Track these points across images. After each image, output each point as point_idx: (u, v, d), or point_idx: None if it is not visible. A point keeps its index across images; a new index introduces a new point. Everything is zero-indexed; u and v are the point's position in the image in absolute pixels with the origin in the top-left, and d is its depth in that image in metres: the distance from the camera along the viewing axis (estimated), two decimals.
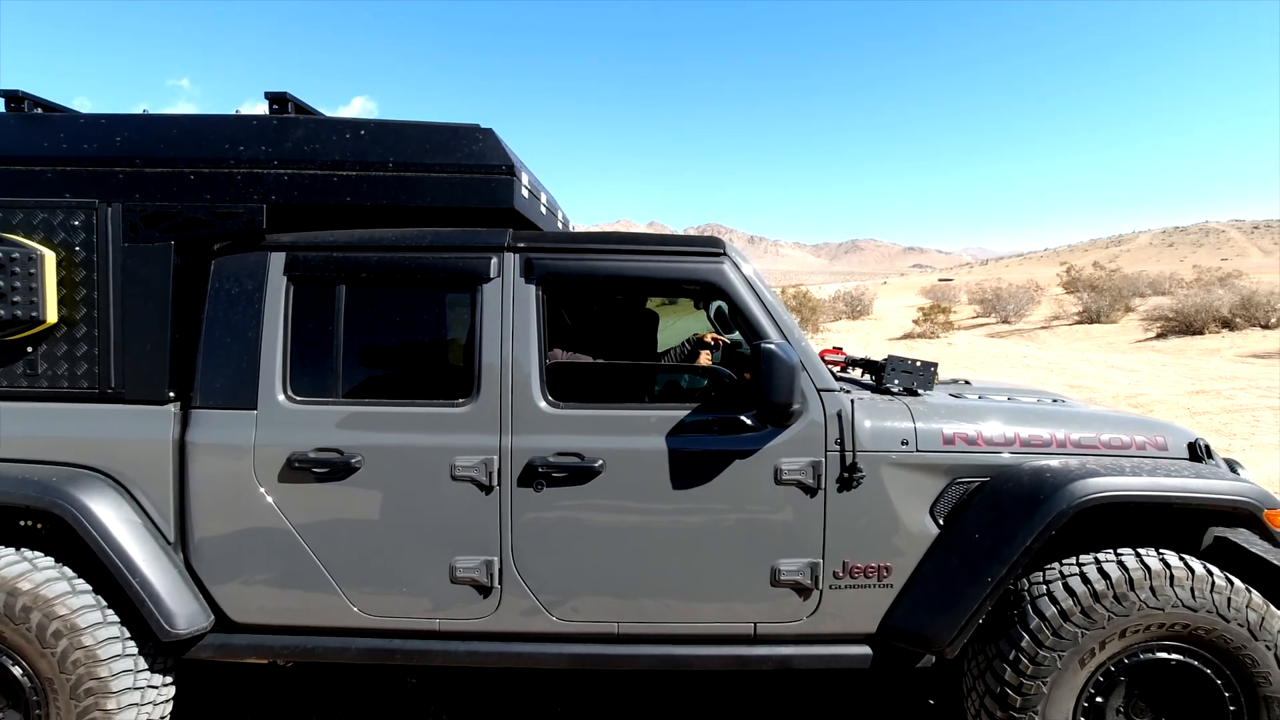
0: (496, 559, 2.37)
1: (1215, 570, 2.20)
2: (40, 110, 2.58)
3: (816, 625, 2.40)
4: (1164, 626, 2.16)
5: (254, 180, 2.42)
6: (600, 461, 2.34)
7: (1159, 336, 21.57)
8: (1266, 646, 2.15)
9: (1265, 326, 20.39)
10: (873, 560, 2.38)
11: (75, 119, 2.50)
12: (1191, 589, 2.15)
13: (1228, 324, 20.84)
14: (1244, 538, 2.44)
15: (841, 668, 2.42)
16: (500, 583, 2.38)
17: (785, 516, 2.36)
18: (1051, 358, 17.46)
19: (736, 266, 2.47)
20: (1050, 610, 2.19)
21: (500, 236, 2.46)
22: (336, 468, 2.36)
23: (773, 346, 2.22)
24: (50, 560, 2.37)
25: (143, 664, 2.38)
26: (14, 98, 2.54)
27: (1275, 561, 2.23)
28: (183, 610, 2.36)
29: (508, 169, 2.45)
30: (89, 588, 2.35)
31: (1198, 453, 2.49)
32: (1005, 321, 29.13)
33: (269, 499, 2.38)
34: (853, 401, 2.40)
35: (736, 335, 3.79)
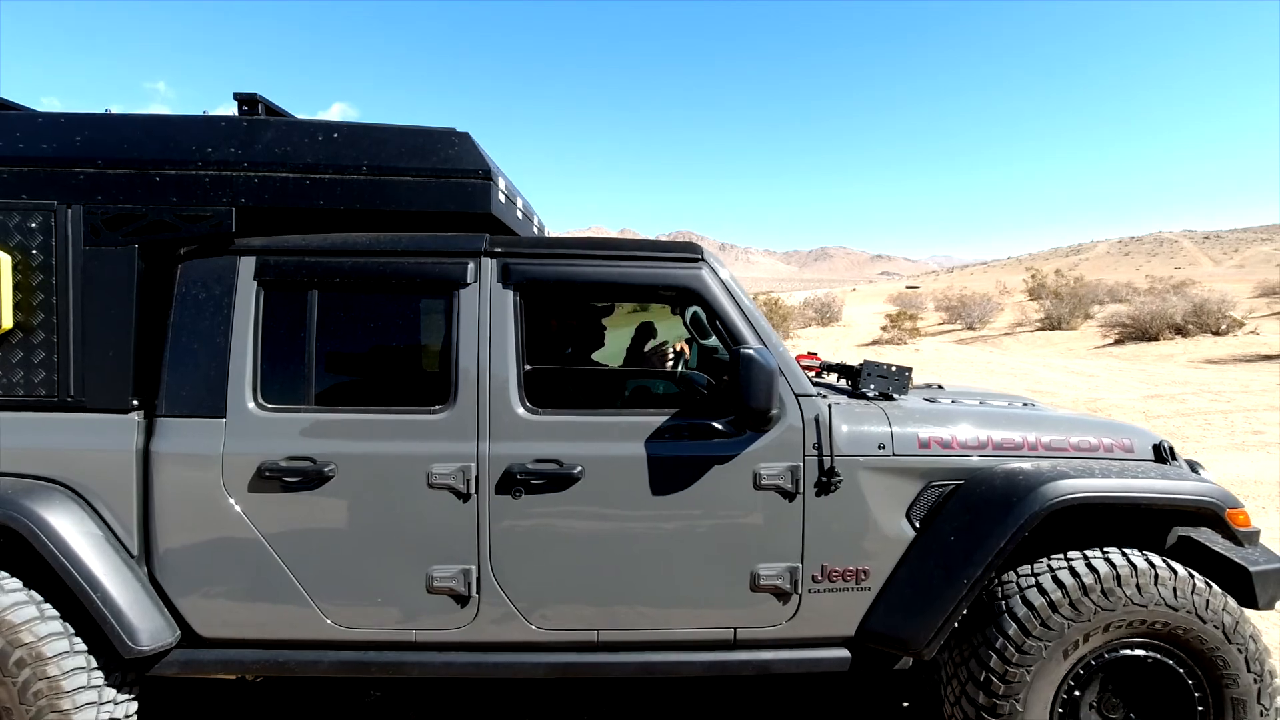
0: (474, 568, 2.34)
1: (1195, 573, 2.26)
2: None
3: (796, 629, 2.40)
4: (1144, 624, 2.21)
5: (222, 182, 2.36)
6: (579, 468, 2.32)
7: (1117, 343, 22.20)
8: (1238, 649, 2.21)
9: (1216, 333, 21.11)
10: (850, 564, 2.39)
11: (32, 118, 2.41)
12: (1174, 589, 2.21)
13: (1181, 331, 21.53)
14: (1206, 536, 2.52)
15: (820, 671, 2.43)
16: (478, 592, 2.35)
17: (764, 521, 2.37)
18: (1015, 363, 17.84)
19: (714, 272, 2.48)
20: (1039, 601, 2.22)
21: (477, 241, 2.44)
22: (309, 477, 2.31)
23: (752, 352, 2.23)
24: (18, 583, 2.27)
25: (108, 689, 2.29)
26: None
27: (1237, 560, 2.30)
28: (146, 625, 2.28)
29: (484, 173, 2.42)
30: (57, 614, 2.26)
31: (1162, 454, 2.56)
32: (970, 328, 29.71)
33: (238, 509, 2.32)
34: (830, 406, 2.41)
35: (713, 340, 3.80)
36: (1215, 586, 2.25)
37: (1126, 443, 2.57)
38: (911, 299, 42.65)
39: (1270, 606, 2.35)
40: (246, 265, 2.40)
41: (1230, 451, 7.75)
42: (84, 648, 2.26)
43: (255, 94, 2.46)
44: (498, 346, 2.37)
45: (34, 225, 2.34)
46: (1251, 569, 2.28)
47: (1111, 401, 11.29)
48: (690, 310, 3.76)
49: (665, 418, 2.39)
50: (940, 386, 3.27)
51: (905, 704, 3.21)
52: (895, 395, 2.69)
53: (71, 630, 2.25)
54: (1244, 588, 2.30)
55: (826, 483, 2.36)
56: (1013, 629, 2.22)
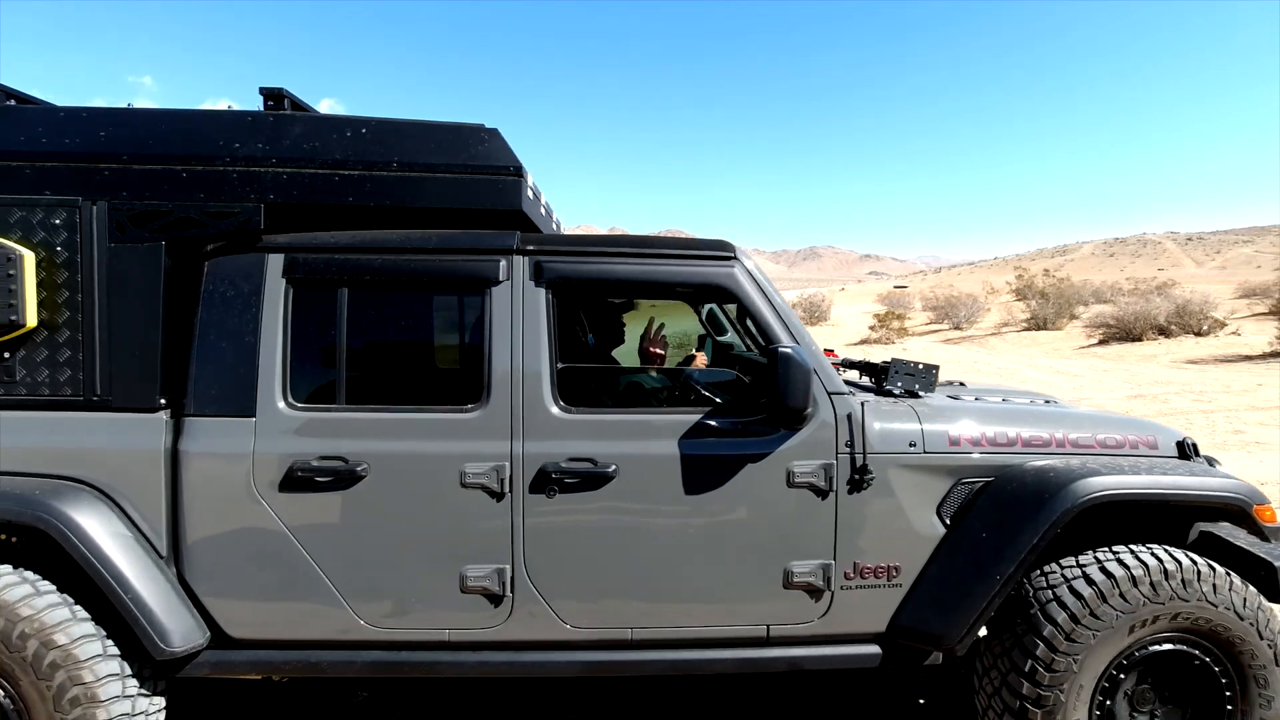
0: (508, 567, 2.32)
1: (1232, 571, 2.29)
2: (13, 102, 2.45)
3: (827, 626, 2.41)
4: (1185, 618, 2.24)
5: (250, 179, 2.33)
6: (614, 467, 2.31)
7: (1101, 343, 22.49)
8: (1267, 645, 2.24)
9: (1198, 334, 21.45)
10: (882, 561, 2.40)
11: (53, 112, 2.37)
12: (1214, 585, 2.24)
13: (1164, 331, 21.86)
14: (1227, 531, 2.55)
15: (852, 668, 2.44)
16: (512, 591, 2.33)
17: (797, 519, 2.38)
18: (1001, 363, 18.02)
19: (747, 269, 2.48)
20: (1089, 591, 2.23)
21: (509, 239, 2.42)
22: (341, 476, 2.29)
23: (790, 350, 2.24)
24: (51, 585, 2.23)
25: (139, 692, 2.26)
26: None
27: (1263, 555, 2.33)
28: (177, 626, 2.25)
29: (515, 170, 2.41)
30: (89, 616, 2.22)
31: (1185, 451, 2.60)
32: (957, 328, 29.98)
33: (269, 509, 2.29)
34: (862, 404, 2.42)
35: (729, 337, 3.81)
36: (1248, 584, 2.28)
37: (1151, 439, 2.61)
38: (899, 299, 42.96)
39: None
40: (274, 263, 2.38)
41: (1211, 450, 7.87)
42: (116, 651, 2.23)
43: (281, 89, 2.43)
44: (530, 345, 2.36)
45: (58, 221, 2.30)
46: (1277, 564, 2.31)
47: (1096, 401, 11.44)
48: (706, 308, 3.77)
49: (698, 416, 2.39)
50: (962, 384, 3.30)
51: (921, 701, 3.23)
52: (921, 393, 2.71)
53: (104, 633, 2.22)
54: (1268, 582, 2.33)
55: (859, 480, 2.37)
56: (1062, 616, 2.22)
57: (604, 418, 2.38)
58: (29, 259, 2.27)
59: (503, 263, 2.39)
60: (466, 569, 2.32)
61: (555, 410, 2.35)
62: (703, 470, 2.35)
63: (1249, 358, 17.01)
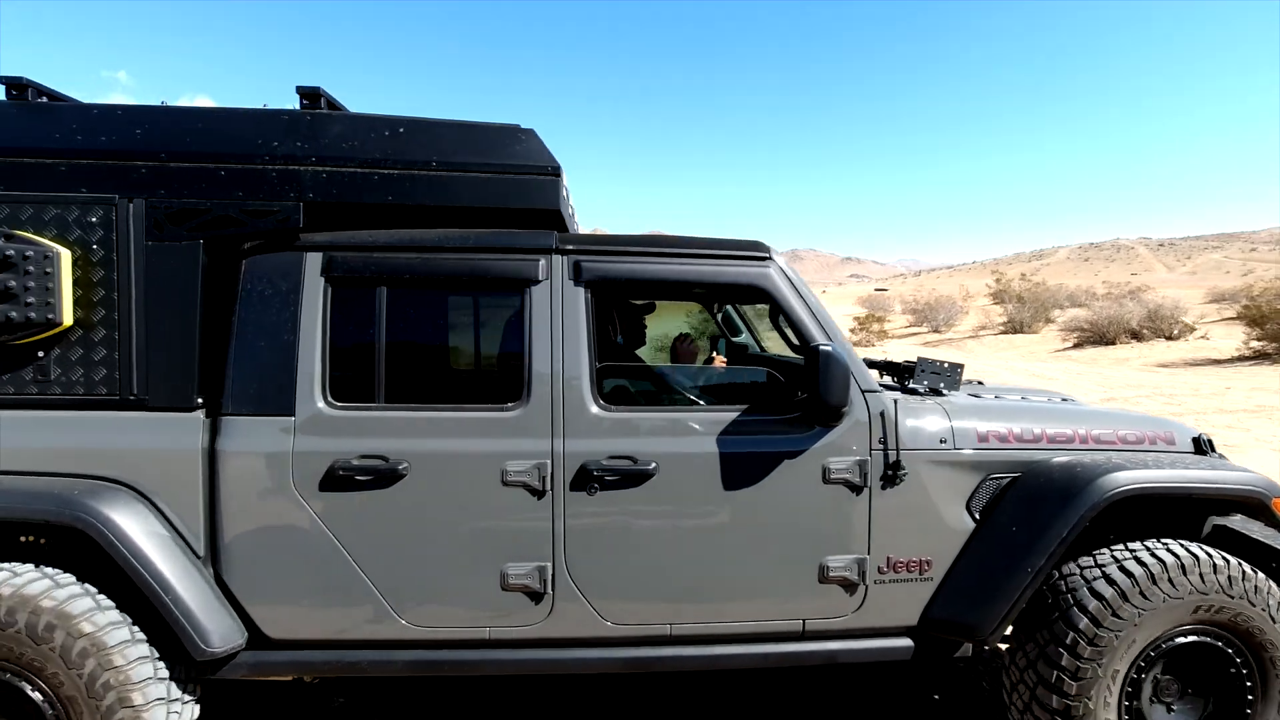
0: (549, 564, 2.34)
1: (1244, 563, 2.37)
2: (45, 99, 2.42)
3: (862, 620, 2.46)
4: (1208, 610, 2.31)
5: (289, 177, 2.33)
6: (654, 464, 2.34)
7: (1075, 346, 22.96)
8: None
9: (1169, 338, 22.01)
10: (914, 555, 2.46)
11: (87, 109, 2.36)
12: (1229, 577, 2.31)
13: (1136, 335, 22.40)
14: (1240, 524, 2.64)
15: (885, 660, 2.49)
16: (552, 589, 2.35)
17: (833, 514, 2.42)
18: (979, 366, 18.33)
19: (782, 270, 2.52)
20: (1140, 570, 2.31)
21: (547, 238, 2.44)
22: (382, 475, 2.29)
23: (830, 349, 2.28)
24: (71, 577, 2.21)
25: (175, 687, 2.25)
26: (16, 85, 2.38)
27: (1278, 547, 2.42)
28: (217, 627, 2.24)
29: (554, 170, 2.43)
30: (113, 604, 2.21)
31: (1201, 447, 2.69)
32: (936, 331, 30.42)
33: (309, 508, 2.29)
34: (895, 401, 2.48)
35: (744, 338, 3.86)
36: (1261, 574, 2.37)
37: (1169, 435, 2.69)
38: (880, 301, 43.49)
39: None
40: (313, 261, 2.37)
41: None
42: (155, 654, 2.21)
43: (318, 88, 2.43)
44: (570, 344, 2.38)
45: (94, 220, 2.28)
46: None
47: None
48: (721, 309, 3.81)
49: (735, 414, 2.42)
50: (980, 383, 3.37)
51: (936, 696, 3.29)
52: (945, 391, 2.77)
53: (144, 636, 2.20)
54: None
55: (892, 476, 2.42)
56: (1095, 606, 2.28)
57: (643, 416, 2.40)
58: (66, 257, 2.24)
59: (542, 262, 2.41)
60: (507, 567, 2.33)
61: (595, 409, 2.37)
62: (741, 467, 2.38)
63: (1218, 361, 17.48)
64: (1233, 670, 2.36)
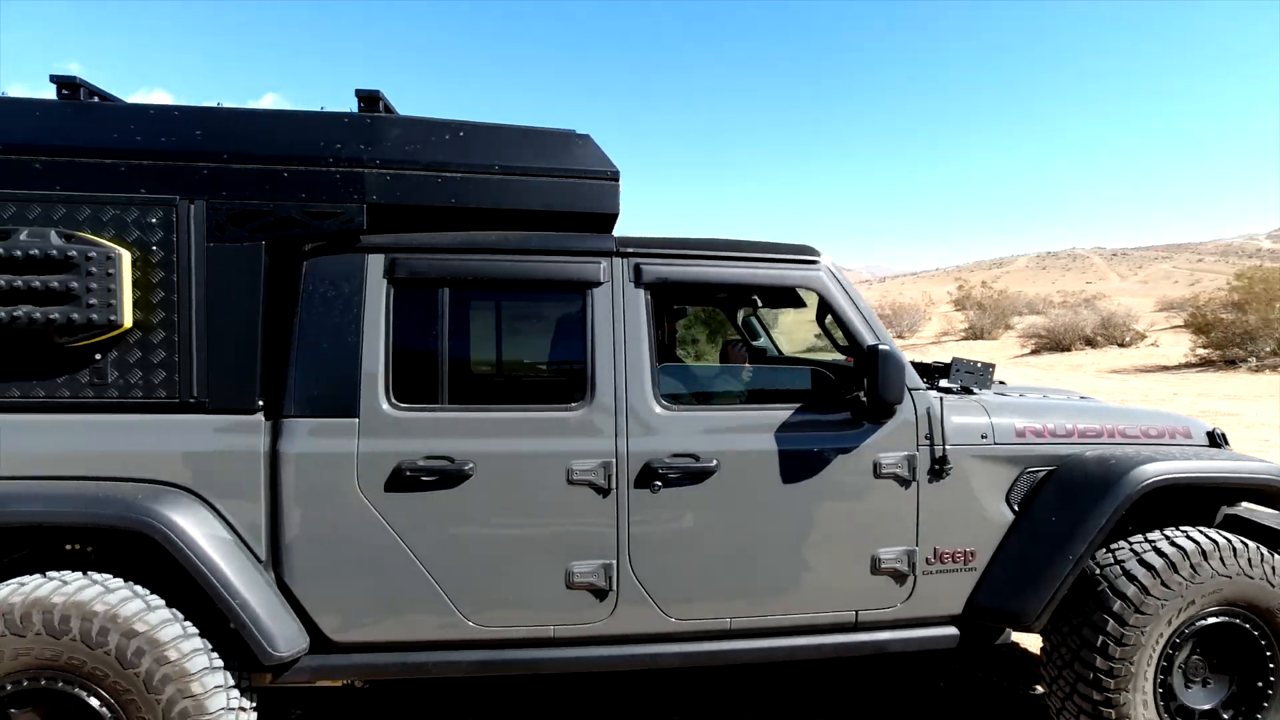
0: (614, 562, 2.38)
1: (1263, 547, 2.54)
2: (95, 99, 2.39)
3: (911, 610, 2.55)
4: (1231, 591, 2.46)
5: (353, 179, 2.34)
6: (715, 461, 2.40)
7: (1034, 353, 23.71)
8: None
9: (1121, 345, 22.89)
10: (959, 546, 2.56)
11: (143, 110, 2.33)
12: (1249, 560, 2.47)
13: (1091, 342, 23.24)
14: (1246, 512, 2.82)
15: (932, 649, 2.58)
16: (617, 586, 2.39)
17: (884, 508, 2.51)
18: None
19: (832, 272, 2.62)
20: (1160, 562, 2.45)
21: (608, 241, 2.49)
22: (448, 475, 2.30)
23: (888, 348, 2.38)
24: (119, 581, 2.18)
25: (235, 690, 2.22)
26: (69, 84, 2.35)
27: None
28: (283, 632, 2.22)
29: (613, 174, 2.49)
30: (163, 603, 2.18)
31: (1215, 440, 2.86)
32: (900, 336, 31.09)
33: (374, 509, 2.29)
34: (940, 399, 2.59)
35: (762, 341, 3.95)
36: (1277, 555, 2.53)
37: (1185, 429, 2.86)
38: None
39: None
40: (375, 263, 2.38)
41: None
42: (220, 663, 2.19)
43: (377, 91, 2.45)
44: (633, 345, 2.43)
45: (153, 220, 2.26)
46: None
47: None
48: (743, 314, 3.90)
49: (789, 413, 2.50)
50: (1003, 383, 3.51)
51: (941, 684, 3.40)
52: (976, 390, 2.89)
53: (210, 646, 2.18)
54: None
55: (939, 470, 2.53)
56: (1132, 590, 2.42)
57: (705, 414, 2.47)
58: (125, 258, 2.22)
59: (603, 264, 2.46)
60: (573, 565, 2.36)
61: (658, 408, 2.43)
62: (797, 464, 2.46)
63: (1166, 368, 18.24)
64: (1256, 648, 2.51)
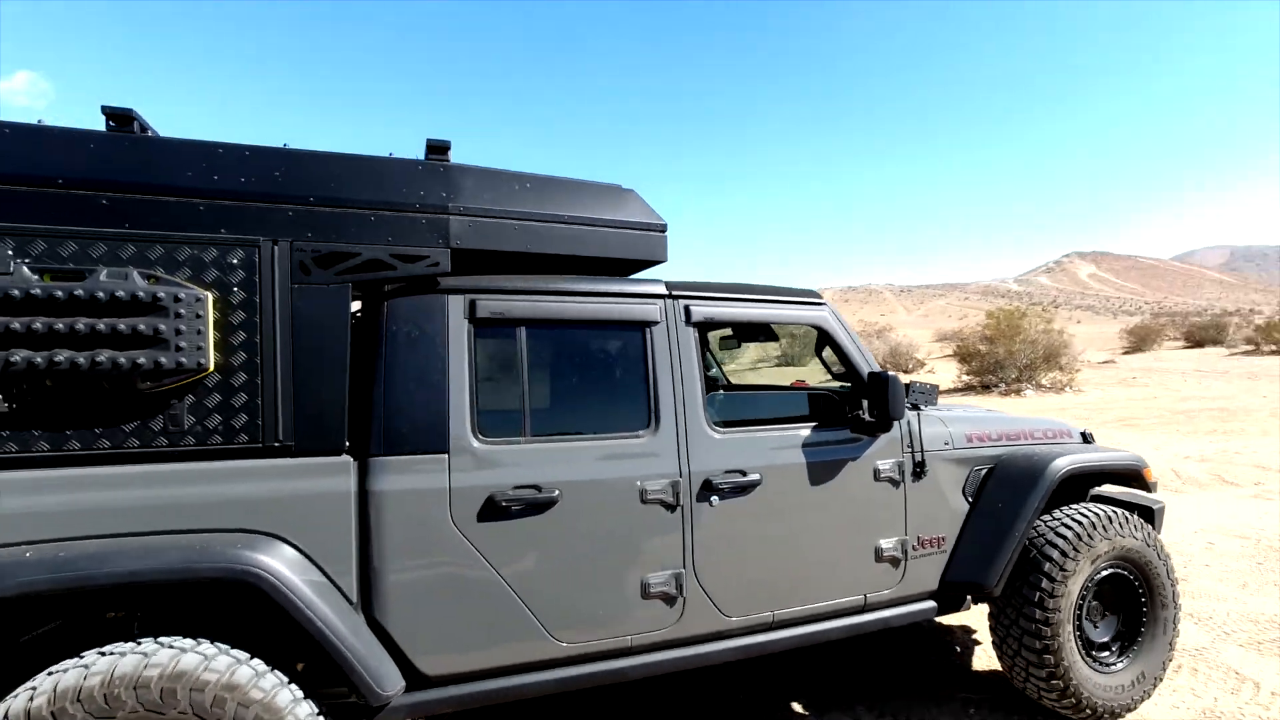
0: (682, 570, 2.65)
1: (1139, 516, 3.40)
2: (148, 133, 2.29)
3: (903, 589, 3.08)
4: (1119, 550, 3.26)
5: (437, 225, 2.44)
6: (758, 475, 2.78)
7: (835, 378, 26.69)
8: (1162, 563, 3.36)
9: (906, 371, 26.46)
10: (935, 533, 3.15)
11: (211, 147, 2.27)
12: (1133, 526, 3.30)
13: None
14: (1108, 491, 3.71)
15: (919, 620, 3.13)
16: (684, 592, 2.66)
17: (882, 506, 3.03)
18: None
19: (833, 311, 3.13)
20: (1074, 529, 3.19)
21: (660, 285, 2.80)
22: (537, 504, 2.45)
23: (893, 375, 2.91)
24: (206, 642, 2.07)
25: None
26: (122, 116, 2.23)
27: (1148, 503, 3.49)
28: (384, 671, 2.23)
29: (663, 227, 2.81)
30: (268, 667, 2.11)
31: (1087, 438, 3.74)
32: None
33: (468, 541, 2.38)
34: (918, 414, 3.18)
35: (714, 371, 4.40)
36: (1147, 524, 3.40)
37: (1068, 431, 3.71)
38: None
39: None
40: (456, 304, 2.49)
41: None
42: (306, 698, 2.14)
43: (447, 142, 2.56)
44: (688, 376, 2.75)
45: (234, 261, 2.21)
46: (1154, 508, 3.49)
47: None
48: (728, 340, 4.33)
49: (809, 430, 2.95)
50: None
51: (931, 663, 4.02)
52: (923, 407, 3.54)
53: (286, 679, 2.12)
54: (1152, 520, 3.49)
55: (919, 472, 3.11)
56: (1056, 554, 3.14)
57: (748, 435, 2.84)
58: (208, 300, 2.15)
59: (659, 305, 2.76)
60: (649, 577, 2.60)
61: (711, 431, 2.76)
62: (821, 473, 2.91)
63: (941, 391, 21.51)
64: (1134, 592, 3.34)
